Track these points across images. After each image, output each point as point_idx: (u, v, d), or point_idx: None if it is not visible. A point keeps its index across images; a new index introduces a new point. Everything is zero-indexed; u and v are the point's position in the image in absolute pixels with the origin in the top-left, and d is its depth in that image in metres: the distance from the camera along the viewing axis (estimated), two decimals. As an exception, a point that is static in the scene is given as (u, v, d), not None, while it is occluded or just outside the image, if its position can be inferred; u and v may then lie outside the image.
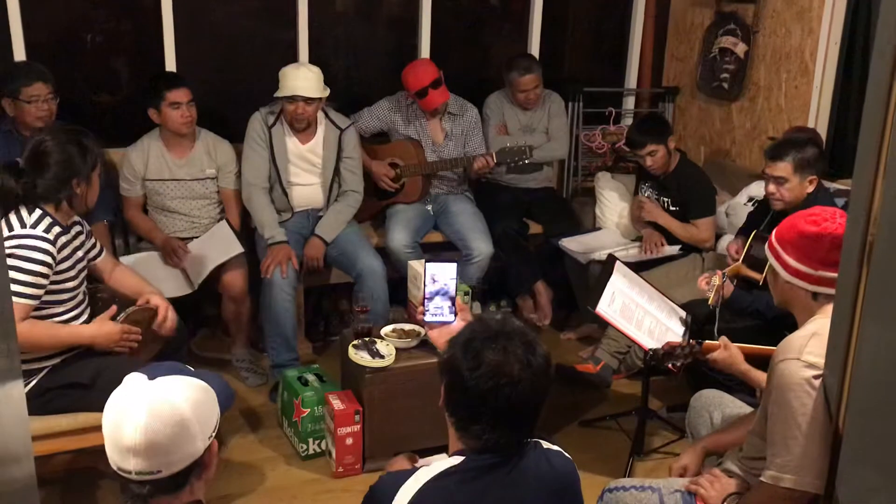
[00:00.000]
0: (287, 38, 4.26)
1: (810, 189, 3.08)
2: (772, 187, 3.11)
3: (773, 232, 2.03)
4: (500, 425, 1.58)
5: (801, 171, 3.05)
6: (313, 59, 4.09)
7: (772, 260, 2.00)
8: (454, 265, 2.58)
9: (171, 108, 3.47)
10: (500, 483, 1.60)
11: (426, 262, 2.84)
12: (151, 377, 1.48)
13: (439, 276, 2.58)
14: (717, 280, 2.88)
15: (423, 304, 2.44)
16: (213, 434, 1.50)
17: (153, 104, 3.49)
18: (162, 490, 1.44)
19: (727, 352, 2.38)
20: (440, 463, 1.62)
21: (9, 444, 1.22)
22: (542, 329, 4.12)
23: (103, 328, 2.59)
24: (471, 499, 1.58)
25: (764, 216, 3.29)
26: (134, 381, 1.48)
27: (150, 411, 1.42)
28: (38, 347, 2.51)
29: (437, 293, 2.54)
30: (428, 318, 2.42)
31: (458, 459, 1.61)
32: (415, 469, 1.62)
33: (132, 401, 1.45)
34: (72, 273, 2.59)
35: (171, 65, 3.98)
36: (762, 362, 2.12)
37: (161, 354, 2.73)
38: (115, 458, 1.45)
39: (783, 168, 3.06)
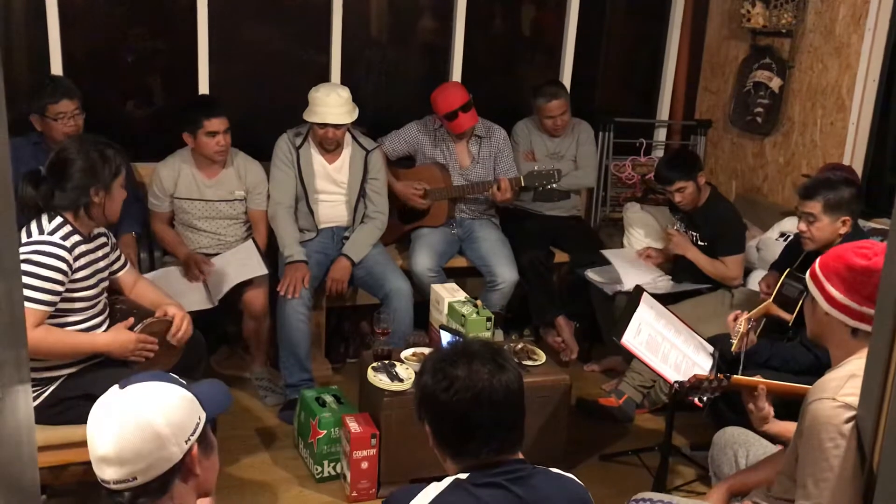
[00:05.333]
0: (320, 60, 4.29)
1: (843, 230, 2.99)
2: (802, 225, 3.05)
3: (818, 260, 1.96)
4: (493, 434, 1.62)
5: (832, 212, 2.98)
6: (345, 82, 4.10)
7: (813, 289, 1.93)
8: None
9: (208, 136, 3.47)
10: (513, 498, 1.60)
11: (441, 328, 3.00)
12: (123, 386, 1.49)
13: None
14: (742, 326, 2.81)
15: None
16: (193, 438, 1.48)
17: (189, 130, 3.49)
18: (141, 495, 1.44)
19: (758, 410, 2.25)
20: (448, 477, 1.63)
21: (15, 452, 1.20)
22: (568, 363, 4.05)
23: (119, 337, 2.57)
24: None
25: (798, 253, 3.22)
26: (108, 393, 1.51)
27: (117, 421, 1.43)
28: (52, 354, 2.49)
29: None
30: None
31: (465, 474, 1.63)
32: (426, 484, 1.63)
33: (103, 412, 1.47)
34: (90, 282, 2.58)
35: (204, 83, 4.02)
36: (794, 406, 2.03)
37: (178, 368, 2.71)
38: (95, 470, 1.47)
39: (813, 206, 2.99)
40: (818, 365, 2.65)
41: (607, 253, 4.04)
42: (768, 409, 2.25)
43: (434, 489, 1.60)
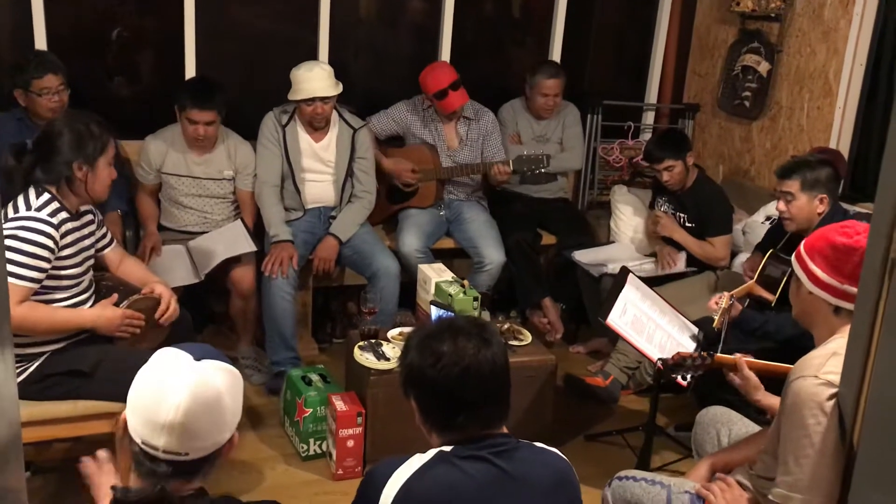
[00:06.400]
0: (308, 39, 4.26)
1: (821, 209, 3.03)
2: (781, 205, 3.10)
3: (803, 242, 1.99)
4: (480, 408, 1.64)
5: (809, 190, 3.02)
6: (333, 62, 4.07)
7: (797, 270, 1.96)
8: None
9: (189, 123, 3.46)
10: (497, 471, 1.61)
11: (431, 303, 2.99)
12: (198, 357, 1.44)
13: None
14: (724, 302, 2.83)
15: None
16: (236, 424, 1.49)
17: (178, 107, 3.48)
18: (180, 473, 1.41)
19: (744, 380, 2.30)
20: (432, 449, 1.64)
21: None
22: (553, 343, 4.06)
23: (105, 313, 2.56)
24: (465, 481, 1.59)
25: (782, 235, 3.24)
26: (178, 358, 1.44)
27: (194, 393, 1.39)
28: (37, 330, 2.47)
29: None
30: None
31: (448, 447, 1.64)
32: (409, 455, 1.64)
33: (176, 378, 1.40)
34: (76, 260, 2.56)
35: (191, 61, 3.99)
36: (776, 383, 2.06)
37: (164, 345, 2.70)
38: (143, 432, 1.40)
39: (791, 185, 3.04)
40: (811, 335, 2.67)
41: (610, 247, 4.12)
42: (754, 377, 2.27)
43: (418, 460, 1.61)
